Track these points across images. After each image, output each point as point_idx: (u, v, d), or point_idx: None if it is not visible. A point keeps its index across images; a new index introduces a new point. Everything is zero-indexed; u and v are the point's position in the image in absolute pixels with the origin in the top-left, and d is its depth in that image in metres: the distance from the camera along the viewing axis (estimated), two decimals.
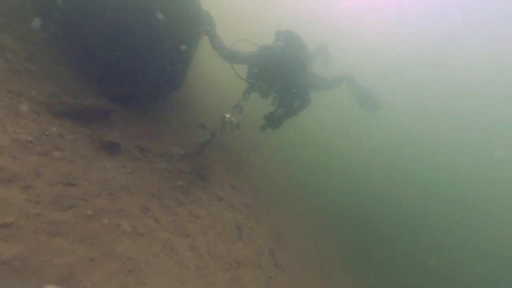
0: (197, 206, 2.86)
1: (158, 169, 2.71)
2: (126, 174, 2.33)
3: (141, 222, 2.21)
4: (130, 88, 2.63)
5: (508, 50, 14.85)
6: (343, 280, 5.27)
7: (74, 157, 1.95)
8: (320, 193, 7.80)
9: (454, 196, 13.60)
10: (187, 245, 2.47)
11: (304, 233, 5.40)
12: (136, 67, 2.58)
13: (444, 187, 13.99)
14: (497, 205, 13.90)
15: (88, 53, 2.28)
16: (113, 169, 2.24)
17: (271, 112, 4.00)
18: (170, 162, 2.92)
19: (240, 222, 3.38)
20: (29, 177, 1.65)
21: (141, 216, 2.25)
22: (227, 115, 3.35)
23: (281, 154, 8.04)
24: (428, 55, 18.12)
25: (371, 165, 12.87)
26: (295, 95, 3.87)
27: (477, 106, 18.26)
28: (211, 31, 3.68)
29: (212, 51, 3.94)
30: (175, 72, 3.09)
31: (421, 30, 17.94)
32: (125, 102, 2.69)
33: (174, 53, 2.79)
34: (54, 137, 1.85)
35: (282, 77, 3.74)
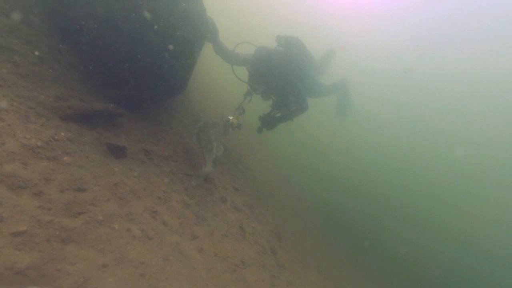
0: (203, 208, 2.86)
1: (164, 172, 2.69)
2: (133, 178, 2.30)
3: (150, 226, 2.20)
4: (134, 92, 2.59)
5: (471, 55, 15.86)
6: (337, 275, 5.43)
7: (83, 162, 1.91)
8: (314, 194, 8.03)
9: (419, 191, 14.84)
10: (195, 247, 2.47)
11: (301, 232, 5.51)
12: (141, 72, 2.54)
13: (410, 184, 15.20)
14: (456, 199, 15.32)
15: (94, 57, 2.23)
16: (120, 172, 2.21)
17: (266, 114, 4.05)
18: (200, 180, 3.01)
19: (243, 222, 3.41)
20: (40, 183, 1.61)
21: (150, 219, 2.24)
22: (230, 117, 3.38)
23: (279, 157, 8.16)
24: (401, 59, 18.92)
25: (355, 165, 13.55)
26: (292, 100, 3.91)
27: (438, 106, 19.42)
28: (214, 37, 3.66)
29: (214, 54, 3.93)
30: (178, 78, 3.07)
31: (393, 35, 18.59)
32: (129, 105, 2.65)
33: (178, 60, 2.77)
34: (63, 141, 1.81)
35: (279, 82, 3.76)
